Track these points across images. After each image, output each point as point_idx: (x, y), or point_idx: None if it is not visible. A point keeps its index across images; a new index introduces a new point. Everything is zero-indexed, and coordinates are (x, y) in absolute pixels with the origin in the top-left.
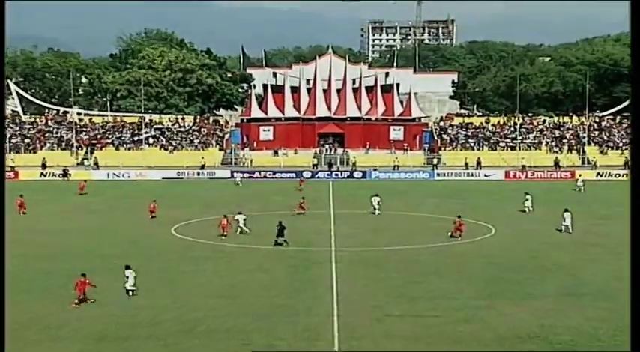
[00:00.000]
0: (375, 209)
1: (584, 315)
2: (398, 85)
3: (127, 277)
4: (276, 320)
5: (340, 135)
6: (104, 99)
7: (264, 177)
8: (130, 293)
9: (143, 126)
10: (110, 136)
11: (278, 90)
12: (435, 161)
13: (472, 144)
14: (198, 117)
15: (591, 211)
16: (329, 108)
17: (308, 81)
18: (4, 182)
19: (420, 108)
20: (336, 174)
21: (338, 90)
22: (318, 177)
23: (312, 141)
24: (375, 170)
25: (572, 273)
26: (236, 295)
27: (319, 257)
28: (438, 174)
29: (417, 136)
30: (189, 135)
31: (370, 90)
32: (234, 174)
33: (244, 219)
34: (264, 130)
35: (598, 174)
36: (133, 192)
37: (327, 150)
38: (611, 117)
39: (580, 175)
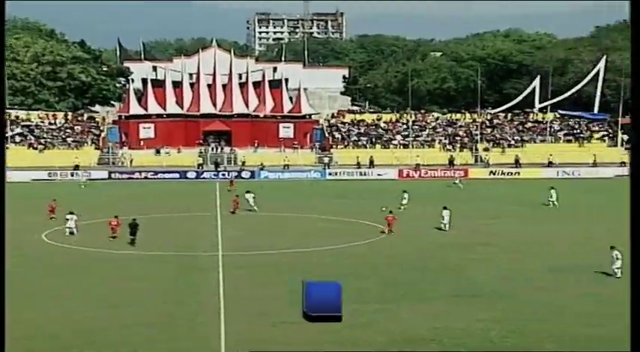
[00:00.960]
0: (251, 206)
1: (477, 317)
2: (287, 80)
3: None
4: (161, 329)
5: (227, 133)
6: None
7: (145, 178)
8: None
9: (8, 124)
10: None
11: (159, 85)
12: (326, 160)
13: (364, 142)
14: (71, 113)
15: (481, 210)
16: (214, 105)
17: (191, 75)
18: (4, 182)
19: (310, 104)
20: (223, 175)
21: (223, 86)
22: (203, 178)
23: (196, 140)
24: (262, 169)
25: (464, 274)
26: (118, 304)
27: (205, 262)
28: (330, 174)
29: (308, 134)
30: (62, 133)
31: (258, 85)
32: (81, 174)
33: (75, 220)
34: (144, 128)
35: (491, 172)
36: None
37: (212, 148)
38: (502, 113)
39: (456, 173)
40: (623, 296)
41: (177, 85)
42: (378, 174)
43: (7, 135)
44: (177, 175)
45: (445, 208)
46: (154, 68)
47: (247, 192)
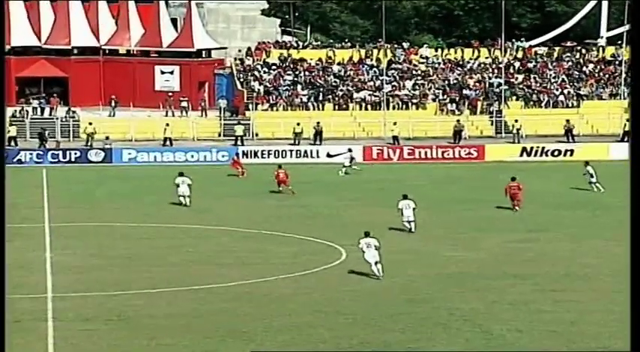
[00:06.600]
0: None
1: None
2: None
3: None
4: None
5: (60, 82)
6: None
7: None
8: None
9: None
10: None
11: None
12: (238, 130)
13: (305, 100)
14: None
15: (514, 218)
16: (36, 33)
17: None
18: (4, 181)
19: (208, 33)
20: (55, 155)
21: None
22: (20, 161)
23: (6, 94)
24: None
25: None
26: None
27: (28, 311)
28: (246, 154)
29: (206, 85)
30: None
31: None
32: None
33: None
34: None
35: (524, 150)
36: None
37: (35, 109)
38: (543, 48)
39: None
40: None
41: None
42: (330, 155)
43: None
44: None
45: (405, 197)
46: None
47: (180, 174)
